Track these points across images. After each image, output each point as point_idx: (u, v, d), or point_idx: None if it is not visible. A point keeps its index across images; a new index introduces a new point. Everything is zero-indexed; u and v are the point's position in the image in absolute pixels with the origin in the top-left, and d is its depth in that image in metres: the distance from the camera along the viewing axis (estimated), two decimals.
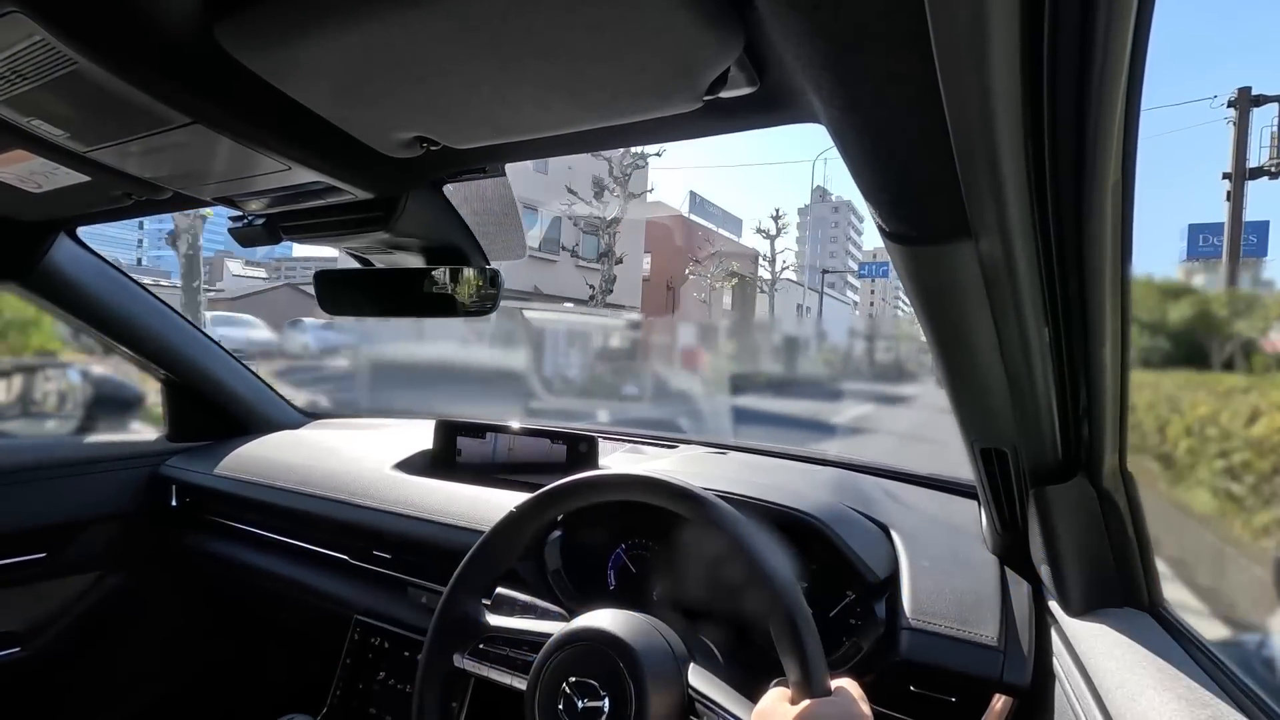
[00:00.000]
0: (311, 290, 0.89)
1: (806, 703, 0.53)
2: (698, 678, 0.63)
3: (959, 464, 0.83)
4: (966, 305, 0.51)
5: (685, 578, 0.91)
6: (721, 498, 0.65)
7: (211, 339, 1.43)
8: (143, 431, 1.55)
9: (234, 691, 1.54)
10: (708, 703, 0.60)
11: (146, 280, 1.51)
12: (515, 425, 1.22)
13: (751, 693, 0.60)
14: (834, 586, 0.84)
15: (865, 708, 0.54)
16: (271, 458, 1.35)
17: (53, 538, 1.26)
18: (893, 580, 0.81)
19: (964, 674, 0.71)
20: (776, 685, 0.58)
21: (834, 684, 0.55)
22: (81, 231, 1.14)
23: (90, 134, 0.57)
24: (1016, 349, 0.55)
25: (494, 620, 0.71)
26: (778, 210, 18.97)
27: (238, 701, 1.53)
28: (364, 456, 1.29)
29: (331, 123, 0.52)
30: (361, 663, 1.11)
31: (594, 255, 15.15)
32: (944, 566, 0.82)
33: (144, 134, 0.56)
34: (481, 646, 0.71)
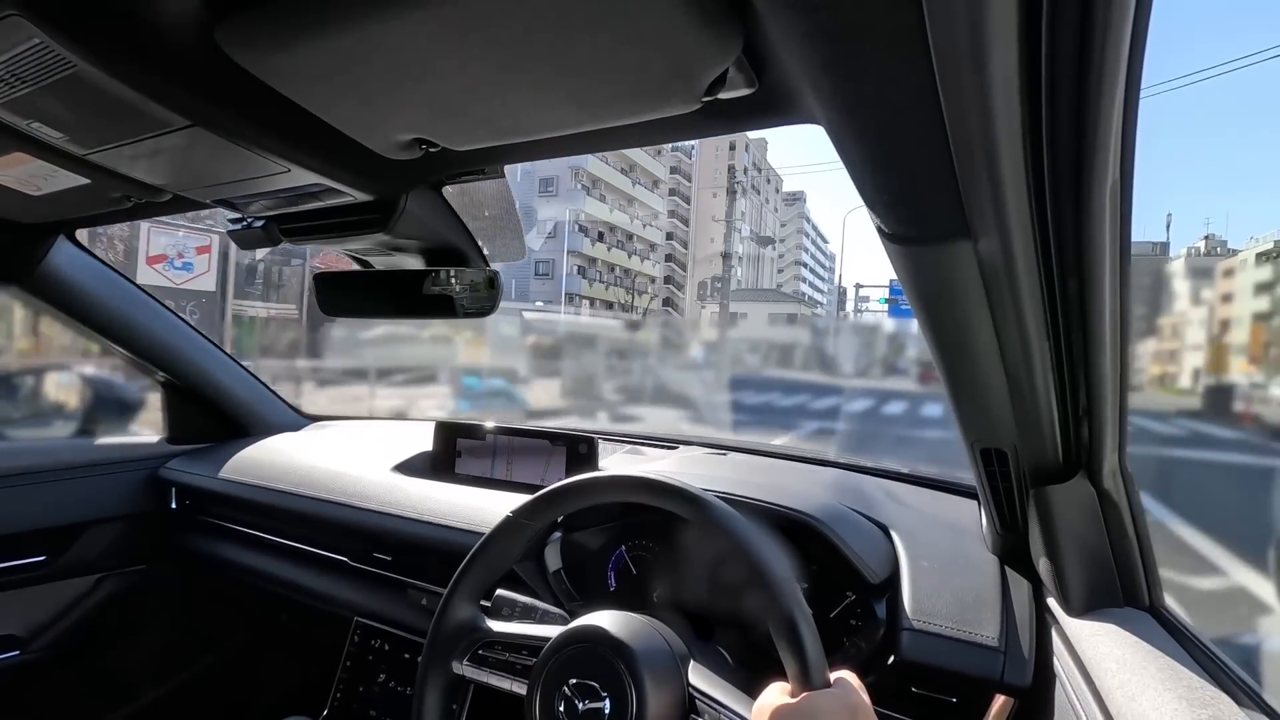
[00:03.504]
0: None
1: (806, 694, 0.53)
2: (698, 676, 0.63)
3: None
4: (966, 305, 0.51)
5: (686, 579, 0.91)
6: (721, 498, 0.65)
7: (211, 341, 1.43)
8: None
9: (234, 694, 1.54)
10: (708, 701, 0.60)
11: None
12: (514, 427, 1.22)
13: (754, 692, 0.60)
14: (834, 587, 0.84)
15: (865, 698, 0.54)
16: (271, 460, 1.35)
17: (52, 540, 1.26)
18: (893, 581, 0.81)
19: (965, 674, 0.71)
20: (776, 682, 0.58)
21: (833, 675, 0.55)
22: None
23: (90, 137, 0.57)
24: (1016, 349, 0.55)
25: (493, 625, 0.71)
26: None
27: (238, 704, 1.53)
28: (364, 458, 1.28)
29: (331, 125, 0.52)
30: (362, 665, 1.11)
31: None
32: (944, 567, 0.81)
33: (143, 137, 0.56)
34: (481, 652, 0.70)
